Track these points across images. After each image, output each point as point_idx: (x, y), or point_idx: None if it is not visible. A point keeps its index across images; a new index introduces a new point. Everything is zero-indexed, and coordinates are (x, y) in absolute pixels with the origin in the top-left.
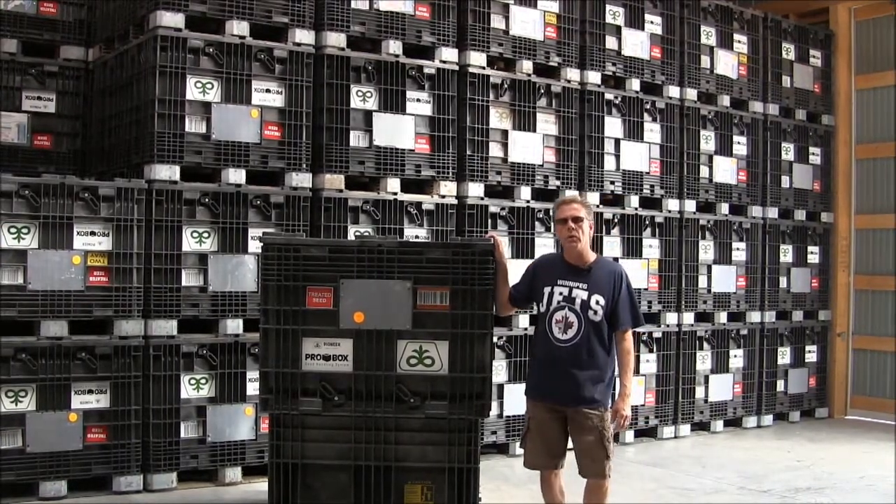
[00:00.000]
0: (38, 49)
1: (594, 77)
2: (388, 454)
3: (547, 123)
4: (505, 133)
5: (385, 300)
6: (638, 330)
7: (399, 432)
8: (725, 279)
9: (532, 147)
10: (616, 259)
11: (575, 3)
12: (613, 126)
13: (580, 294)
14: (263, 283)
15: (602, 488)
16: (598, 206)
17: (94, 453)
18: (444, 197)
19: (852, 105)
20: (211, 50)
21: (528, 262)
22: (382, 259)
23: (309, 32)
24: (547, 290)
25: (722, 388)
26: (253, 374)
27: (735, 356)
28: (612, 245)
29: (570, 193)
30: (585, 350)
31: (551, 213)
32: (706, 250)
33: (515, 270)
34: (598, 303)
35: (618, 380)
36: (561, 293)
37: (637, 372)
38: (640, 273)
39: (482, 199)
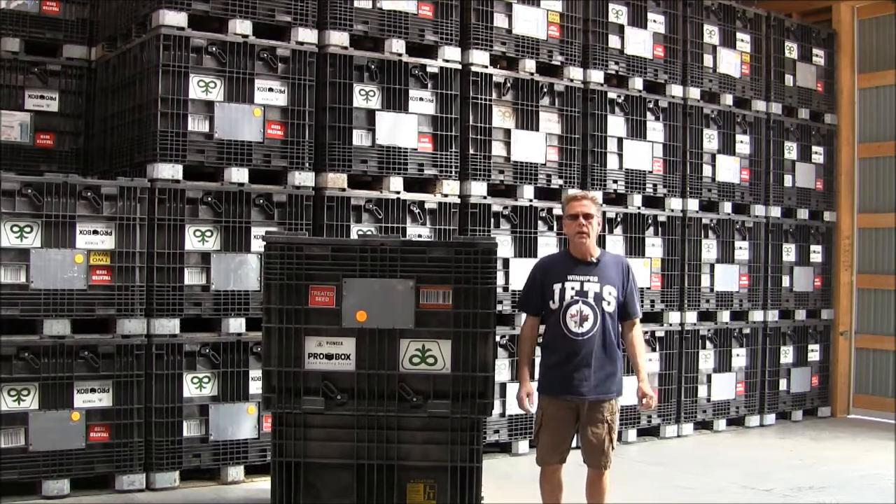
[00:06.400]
0: (40, 48)
1: (597, 76)
2: (391, 453)
3: (550, 122)
4: (508, 132)
5: (387, 299)
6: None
7: (401, 431)
8: (728, 278)
9: (535, 146)
10: None
11: (578, 2)
12: (616, 125)
13: (592, 287)
14: (266, 281)
15: (606, 477)
16: (600, 205)
17: (96, 452)
18: (446, 196)
19: (855, 104)
20: (214, 49)
21: (532, 261)
22: (385, 258)
23: (312, 31)
24: (557, 286)
25: (725, 387)
26: (255, 373)
27: (738, 355)
28: (615, 244)
29: (576, 190)
30: (602, 341)
31: (561, 208)
32: (709, 249)
33: (518, 270)
34: (610, 293)
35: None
36: (573, 287)
37: None
38: (643, 272)
39: (485, 198)
